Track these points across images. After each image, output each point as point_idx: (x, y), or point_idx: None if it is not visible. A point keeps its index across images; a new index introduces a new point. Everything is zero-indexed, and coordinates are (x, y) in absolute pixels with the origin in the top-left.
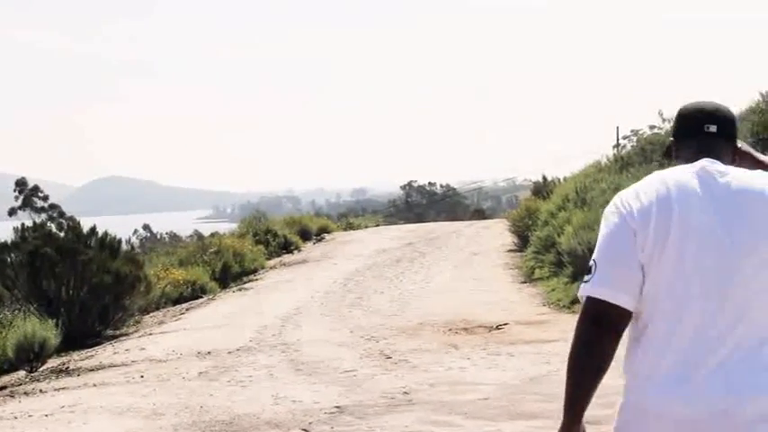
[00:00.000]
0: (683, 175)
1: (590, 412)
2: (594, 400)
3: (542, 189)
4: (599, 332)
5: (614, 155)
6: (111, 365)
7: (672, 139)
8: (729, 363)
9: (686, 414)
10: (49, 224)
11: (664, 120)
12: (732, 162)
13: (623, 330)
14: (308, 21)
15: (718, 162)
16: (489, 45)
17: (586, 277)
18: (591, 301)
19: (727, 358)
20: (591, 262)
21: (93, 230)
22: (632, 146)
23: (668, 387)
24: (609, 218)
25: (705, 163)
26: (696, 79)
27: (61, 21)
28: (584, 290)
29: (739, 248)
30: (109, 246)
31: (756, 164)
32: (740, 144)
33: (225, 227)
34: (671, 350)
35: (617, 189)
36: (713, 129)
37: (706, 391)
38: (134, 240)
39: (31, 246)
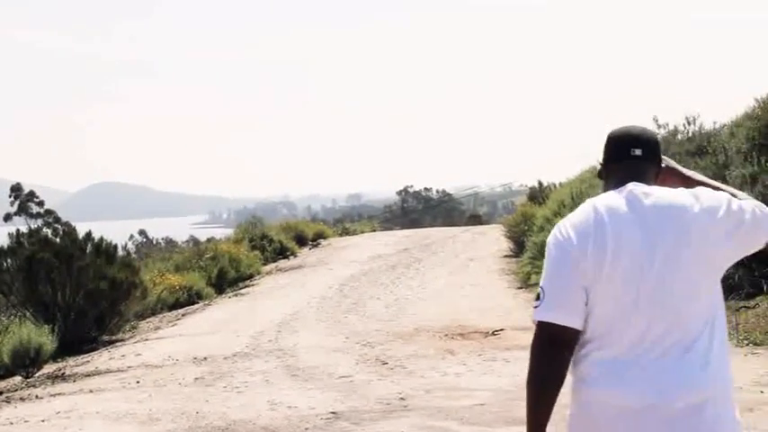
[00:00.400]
0: (614, 200)
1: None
2: None
3: (538, 194)
4: (554, 350)
5: None
6: (107, 371)
7: (602, 162)
8: (661, 363)
9: (623, 407)
10: (45, 230)
11: (659, 126)
12: (656, 180)
13: (575, 345)
14: (305, 24)
15: (642, 184)
16: (486, 48)
17: (536, 303)
18: (543, 324)
19: (659, 360)
20: (539, 289)
21: (88, 236)
22: None
23: (608, 385)
24: (551, 248)
25: (631, 186)
26: (692, 83)
27: (62, 21)
28: (536, 315)
29: (665, 263)
30: (105, 251)
31: (683, 179)
32: (666, 162)
33: (221, 232)
34: (610, 355)
35: None
36: (638, 152)
37: (639, 388)
38: (130, 246)
39: (27, 251)
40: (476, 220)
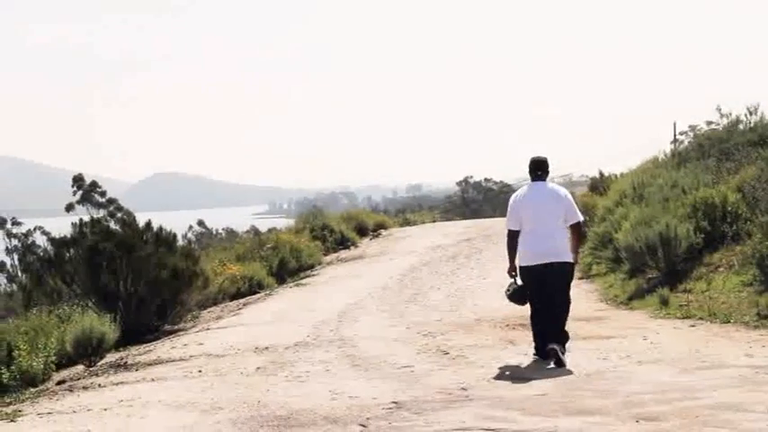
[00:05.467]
0: (527, 189)
1: (647, 408)
2: (653, 397)
3: (599, 185)
4: (511, 238)
5: (671, 150)
6: (169, 360)
7: (528, 172)
8: (541, 241)
9: (536, 253)
10: (107, 219)
11: (722, 116)
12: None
13: (519, 236)
14: (361, 11)
15: (540, 183)
16: (547, 34)
17: (507, 221)
18: (509, 230)
19: (545, 242)
20: (507, 216)
21: (148, 226)
22: (690, 142)
23: (530, 247)
24: (510, 202)
25: (535, 184)
26: (754, 73)
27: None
28: (507, 226)
29: (544, 209)
30: (165, 241)
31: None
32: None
33: (281, 223)
34: (529, 238)
35: (674, 185)
36: (540, 173)
37: (539, 249)
38: (190, 236)
39: (89, 241)
40: None
